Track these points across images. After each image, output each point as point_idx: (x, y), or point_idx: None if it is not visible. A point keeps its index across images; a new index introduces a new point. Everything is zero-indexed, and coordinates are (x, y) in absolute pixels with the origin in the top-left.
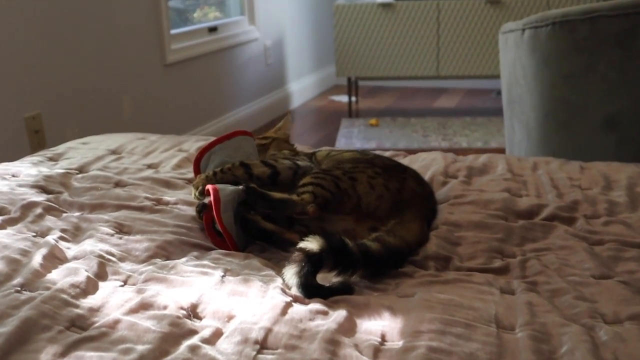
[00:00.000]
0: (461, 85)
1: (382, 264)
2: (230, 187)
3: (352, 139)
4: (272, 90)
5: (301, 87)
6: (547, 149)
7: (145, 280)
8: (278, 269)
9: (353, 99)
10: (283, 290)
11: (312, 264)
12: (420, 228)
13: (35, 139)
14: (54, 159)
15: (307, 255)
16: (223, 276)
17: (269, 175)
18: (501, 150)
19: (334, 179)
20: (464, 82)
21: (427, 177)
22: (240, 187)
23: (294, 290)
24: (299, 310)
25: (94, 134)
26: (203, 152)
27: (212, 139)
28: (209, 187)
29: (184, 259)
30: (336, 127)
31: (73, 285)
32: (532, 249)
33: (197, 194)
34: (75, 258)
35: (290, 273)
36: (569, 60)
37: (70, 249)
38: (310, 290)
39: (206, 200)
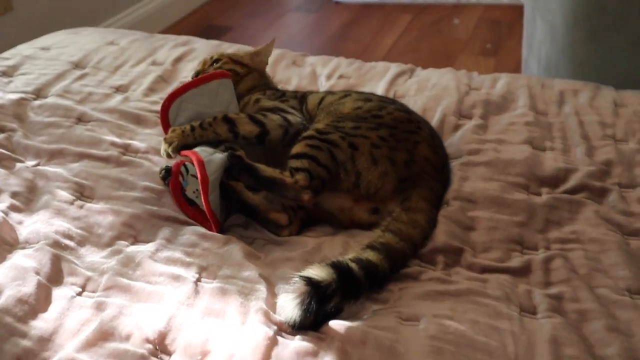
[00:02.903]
0: None
1: (386, 276)
2: (216, 160)
3: None
4: None
5: None
6: (573, 57)
7: (106, 288)
8: (262, 258)
9: None
10: (266, 315)
11: (318, 301)
12: (427, 218)
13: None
14: (7, 74)
15: (314, 287)
16: (197, 281)
17: (257, 135)
18: (515, 8)
19: (330, 147)
20: None
21: (437, 116)
22: (225, 154)
23: (285, 319)
24: (284, 354)
25: None
26: (172, 98)
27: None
28: (192, 156)
29: (152, 247)
30: None
31: (20, 301)
32: (557, 239)
33: (169, 150)
34: (27, 242)
35: (291, 305)
36: None
37: (22, 224)
38: (305, 326)
39: (171, 164)
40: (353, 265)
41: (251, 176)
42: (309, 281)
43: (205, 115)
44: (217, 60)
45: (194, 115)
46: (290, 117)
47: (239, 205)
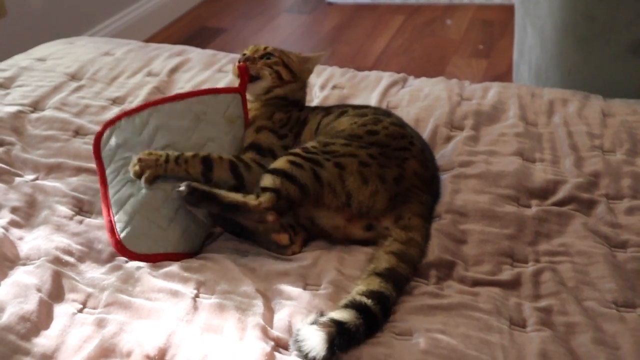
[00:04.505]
0: None
1: (394, 303)
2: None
3: None
4: None
5: None
6: (562, 64)
7: (107, 305)
8: (258, 271)
9: None
10: (264, 331)
11: (344, 338)
12: (422, 234)
13: None
14: (4, 86)
15: (341, 328)
16: (195, 297)
17: (232, 186)
18: (506, 8)
19: (314, 166)
20: None
21: (429, 127)
22: (181, 185)
23: (306, 349)
24: None
25: None
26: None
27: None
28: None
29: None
30: None
31: (23, 318)
32: (546, 252)
33: (142, 180)
34: (28, 258)
35: (315, 340)
36: None
37: (22, 240)
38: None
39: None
40: (369, 302)
41: (212, 203)
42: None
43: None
44: (268, 55)
45: (165, 144)
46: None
47: (239, 230)
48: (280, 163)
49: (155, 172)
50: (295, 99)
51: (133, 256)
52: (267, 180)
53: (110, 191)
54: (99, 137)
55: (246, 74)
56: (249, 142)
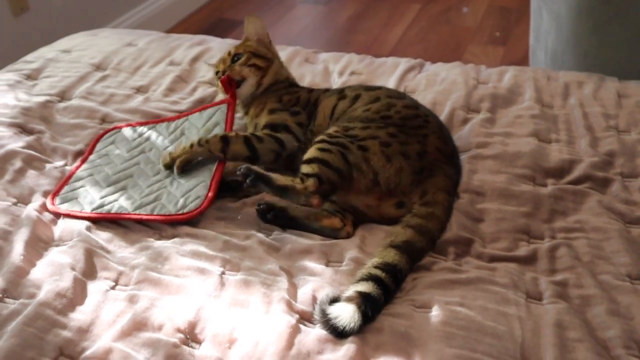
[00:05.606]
0: None
1: (406, 273)
2: None
3: None
4: None
5: None
6: (578, 48)
7: (138, 282)
8: (281, 249)
9: None
10: (288, 305)
11: (372, 306)
12: (444, 209)
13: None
14: (32, 77)
15: (367, 297)
16: (222, 274)
17: (245, 158)
18: None
19: (341, 149)
20: None
21: (446, 110)
22: (240, 167)
23: (343, 324)
24: (306, 340)
25: None
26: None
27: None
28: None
29: (178, 241)
30: None
31: (59, 295)
32: (562, 228)
33: (175, 168)
34: (61, 239)
35: (349, 312)
36: None
37: (55, 223)
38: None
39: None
40: (382, 274)
41: (265, 185)
42: (365, 295)
43: None
44: (237, 55)
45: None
46: (288, 139)
47: (290, 222)
48: (311, 152)
49: (185, 158)
50: (284, 77)
51: (56, 213)
52: (306, 169)
53: (83, 166)
54: (108, 130)
55: (232, 83)
56: (263, 124)
